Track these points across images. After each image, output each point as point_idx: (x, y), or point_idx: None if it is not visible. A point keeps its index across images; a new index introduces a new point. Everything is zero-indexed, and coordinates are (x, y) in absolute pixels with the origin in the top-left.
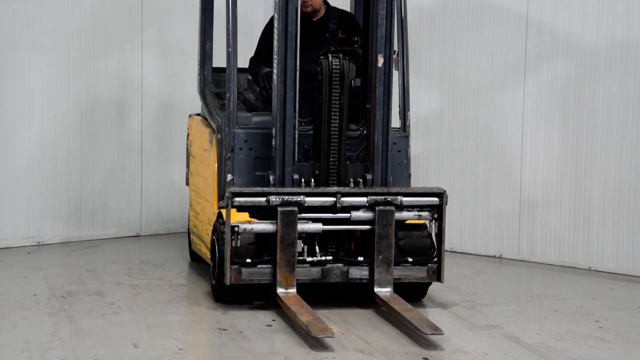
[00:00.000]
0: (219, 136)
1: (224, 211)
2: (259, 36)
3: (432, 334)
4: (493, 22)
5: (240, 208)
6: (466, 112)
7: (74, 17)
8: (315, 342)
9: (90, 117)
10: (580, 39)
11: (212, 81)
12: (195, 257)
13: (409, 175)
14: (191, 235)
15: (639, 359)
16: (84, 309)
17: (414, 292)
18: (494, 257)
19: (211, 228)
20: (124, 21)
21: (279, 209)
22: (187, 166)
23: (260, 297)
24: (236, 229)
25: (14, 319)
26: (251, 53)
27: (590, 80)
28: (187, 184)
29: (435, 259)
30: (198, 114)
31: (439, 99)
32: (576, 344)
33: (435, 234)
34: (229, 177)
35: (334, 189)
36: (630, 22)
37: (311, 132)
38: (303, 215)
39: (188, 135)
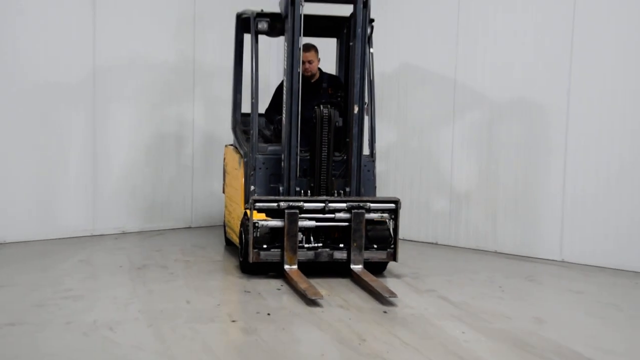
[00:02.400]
0: (245, 160)
1: (248, 212)
2: (273, 93)
3: (390, 297)
4: (432, 83)
5: (260, 210)
6: (414, 143)
7: (147, 74)
8: (310, 301)
9: (160, 146)
10: (490, 94)
11: (241, 122)
12: (228, 242)
13: (375, 188)
14: (226, 227)
15: (525, 309)
16: (153, 277)
17: (378, 268)
18: (432, 243)
19: (240, 222)
20: (181, 80)
21: (286, 211)
22: (223, 180)
23: (273, 270)
24: (256, 224)
25: (106, 282)
26: (267, 103)
27: (496, 123)
28: (224, 192)
29: (393, 246)
30: (231, 145)
31: (396, 134)
32: (485, 301)
33: (393, 228)
34: (252, 187)
35: (324, 197)
36: (525, 81)
37: (308, 157)
38: (302, 215)
39: (224, 159)
